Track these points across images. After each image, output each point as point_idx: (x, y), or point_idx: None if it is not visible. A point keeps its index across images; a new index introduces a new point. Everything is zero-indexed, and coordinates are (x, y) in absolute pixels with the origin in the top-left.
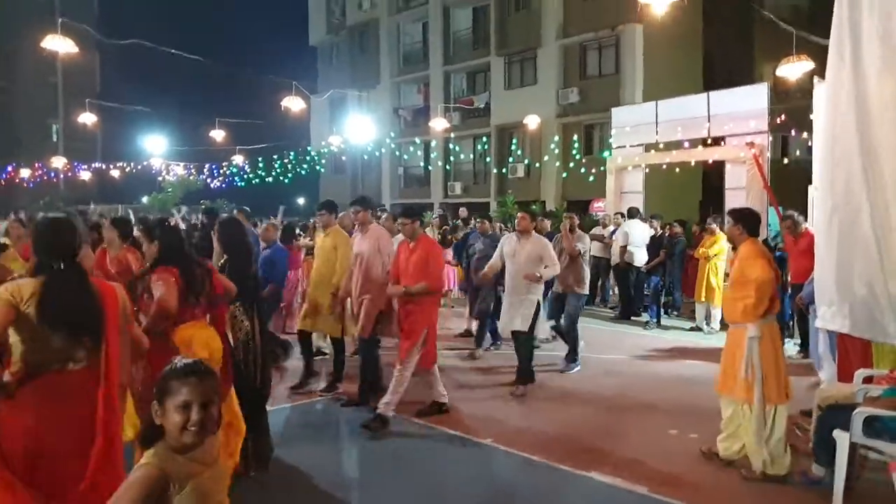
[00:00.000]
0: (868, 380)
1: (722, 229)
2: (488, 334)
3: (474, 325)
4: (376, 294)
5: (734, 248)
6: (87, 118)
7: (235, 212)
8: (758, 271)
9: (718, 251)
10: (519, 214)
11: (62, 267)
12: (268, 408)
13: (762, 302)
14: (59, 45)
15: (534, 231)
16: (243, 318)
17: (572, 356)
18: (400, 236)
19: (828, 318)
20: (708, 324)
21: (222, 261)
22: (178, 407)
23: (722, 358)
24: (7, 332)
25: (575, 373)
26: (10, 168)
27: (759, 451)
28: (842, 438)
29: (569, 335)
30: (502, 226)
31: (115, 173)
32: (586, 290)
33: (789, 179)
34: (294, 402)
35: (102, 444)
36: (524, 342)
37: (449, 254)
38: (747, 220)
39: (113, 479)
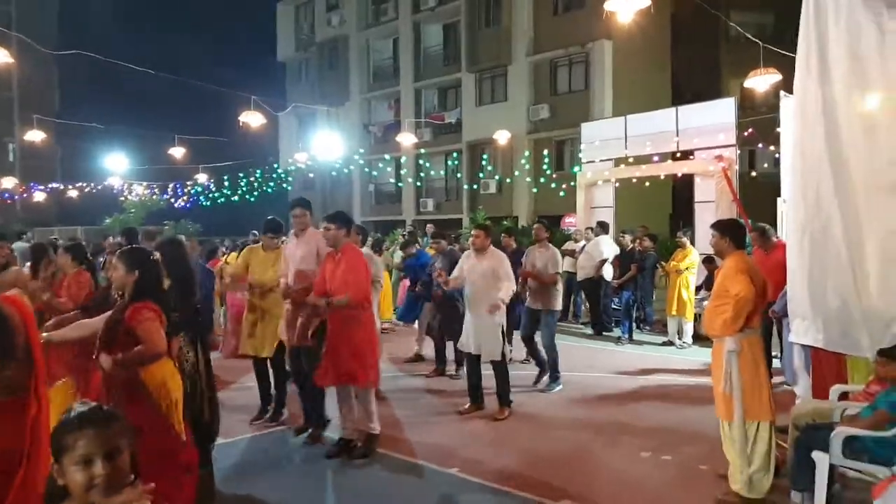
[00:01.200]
0: (844, 396)
1: (692, 242)
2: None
3: (424, 348)
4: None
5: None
6: (36, 135)
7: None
8: (738, 286)
9: (689, 265)
10: (473, 232)
11: None
12: (221, 440)
13: (739, 317)
14: None
15: (490, 246)
16: (188, 349)
17: (553, 375)
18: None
19: (801, 332)
20: (680, 338)
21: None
22: (78, 464)
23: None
24: None
25: (555, 392)
26: None
27: (740, 471)
28: (821, 460)
29: (548, 353)
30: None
31: (74, 194)
32: (559, 307)
33: (758, 192)
34: (247, 434)
35: (24, 475)
36: (498, 367)
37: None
38: (734, 232)
39: None
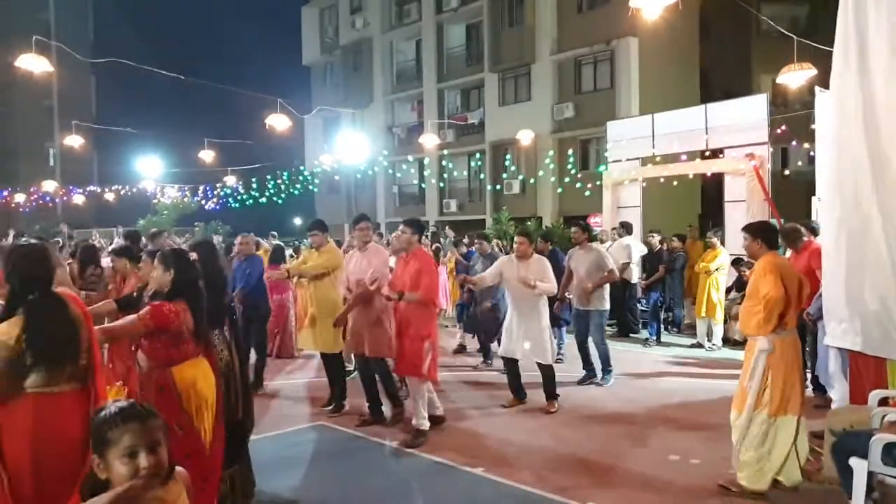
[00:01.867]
0: (884, 401)
1: (723, 243)
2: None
3: (467, 339)
4: (383, 313)
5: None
6: (75, 140)
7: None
8: (766, 287)
9: (720, 266)
10: (517, 239)
11: (38, 297)
12: (258, 435)
13: (771, 317)
14: (34, 64)
15: (534, 253)
16: (222, 347)
17: (606, 368)
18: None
19: (838, 335)
20: (710, 340)
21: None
22: (124, 456)
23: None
24: None
25: (582, 393)
26: (4, 192)
27: (746, 462)
28: (859, 466)
29: (599, 349)
30: (499, 242)
31: (110, 196)
32: (607, 306)
33: (791, 191)
34: (282, 430)
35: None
36: (545, 369)
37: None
38: (766, 234)
39: None
